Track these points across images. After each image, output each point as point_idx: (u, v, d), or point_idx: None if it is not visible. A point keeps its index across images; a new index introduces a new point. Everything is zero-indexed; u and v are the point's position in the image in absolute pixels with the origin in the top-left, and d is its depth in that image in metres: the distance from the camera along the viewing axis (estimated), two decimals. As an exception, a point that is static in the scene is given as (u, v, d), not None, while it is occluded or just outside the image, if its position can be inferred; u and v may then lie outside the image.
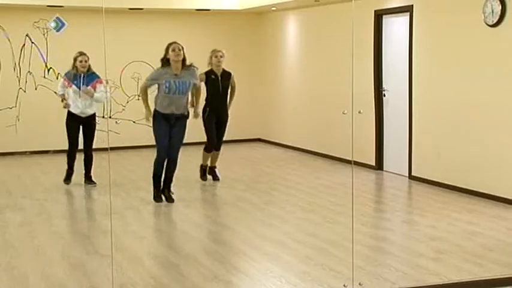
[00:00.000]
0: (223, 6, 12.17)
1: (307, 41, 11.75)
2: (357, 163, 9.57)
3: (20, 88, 11.72)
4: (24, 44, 11.66)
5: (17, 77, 11.71)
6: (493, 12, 7.49)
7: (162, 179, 7.80)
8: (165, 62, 7.71)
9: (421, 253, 5.71)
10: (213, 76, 8.88)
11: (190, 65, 7.83)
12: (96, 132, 8.94)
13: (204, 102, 8.85)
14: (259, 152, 9.71)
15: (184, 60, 7.73)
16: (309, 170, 10.11)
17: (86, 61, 8.79)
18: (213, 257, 5.71)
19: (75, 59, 8.81)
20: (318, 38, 11.32)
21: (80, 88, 8.71)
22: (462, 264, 5.36)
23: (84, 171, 8.90)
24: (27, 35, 11.64)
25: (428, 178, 8.66)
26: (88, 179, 8.87)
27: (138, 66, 12.09)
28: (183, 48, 7.72)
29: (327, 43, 10.90)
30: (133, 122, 12.00)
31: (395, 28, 9.48)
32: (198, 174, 9.06)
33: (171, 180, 7.83)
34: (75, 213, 7.91)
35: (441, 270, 5.23)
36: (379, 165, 9.77)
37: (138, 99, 12.59)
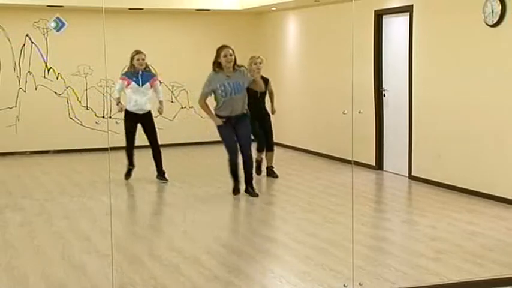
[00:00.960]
0: (223, 6, 12.18)
1: (307, 41, 11.75)
2: (357, 163, 9.56)
3: (20, 88, 11.73)
4: (24, 44, 11.67)
5: (17, 77, 11.72)
6: (493, 12, 7.49)
7: (243, 177, 8.05)
8: (217, 65, 7.89)
9: (421, 253, 5.71)
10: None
11: (240, 66, 8.05)
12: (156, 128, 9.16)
13: None
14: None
15: (234, 61, 7.92)
16: (309, 170, 10.11)
17: (143, 59, 8.97)
18: (213, 257, 5.71)
19: (132, 58, 9.00)
20: (318, 38, 11.33)
21: (139, 85, 8.93)
22: (462, 264, 5.36)
23: (156, 168, 9.05)
24: (27, 35, 11.65)
25: (428, 178, 8.66)
26: (161, 175, 9.04)
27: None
28: (233, 51, 7.90)
29: (327, 43, 10.90)
30: (133, 122, 12.00)
31: (395, 28, 9.48)
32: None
33: (251, 177, 8.08)
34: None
35: (441, 270, 5.23)
36: (379, 165, 9.77)
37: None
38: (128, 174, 9.13)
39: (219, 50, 7.90)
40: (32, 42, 11.68)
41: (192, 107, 12.43)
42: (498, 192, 7.57)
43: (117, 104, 9.02)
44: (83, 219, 7.18)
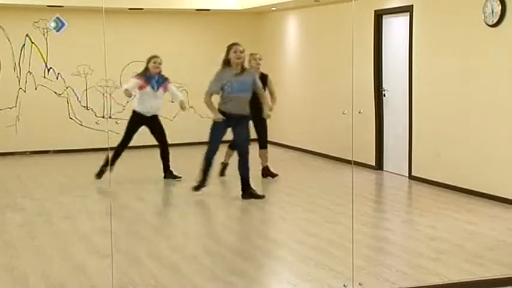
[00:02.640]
0: (223, 6, 12.18)
1: (307, 41, 11.75)
2: (357, 163, 9.56)
3: (20, 88, 11.73)
4: (24, 44, 11.67)
5: (17, 77, 11.72)
6: (493, 12, 7.49)
7: (240, 181, 7.93)
8: (226, 63, 7.90)
9: (421, 253, 5.71)
10: None
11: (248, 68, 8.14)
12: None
13: None
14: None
15: (244, 60, 7.96)
16: (309, 170, 10.12)
17: (159, 63, 9.07)
18: (213, 257, 5.71)
19: (148, 61, 9.08)
20: (318, 38, 11.33)
21: (154, 89, 8.99)
22: (462, 264, 5.36)
23: (162, 167, 9.10)
24: (27, 35, 11.65)
25: (428, 178, 8.66)
26: (170, 173, 9.10)
27: (138, 66, 12.07)
28: (244, 50, 7.90)
29: (327, 43, 10.90)
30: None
31: (395, 28, 9.48)
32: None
33: (248, 181, 7.93)
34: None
35: (441, 270, 5.23)
36: (379, 165, 9.77)
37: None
38: (101, 174, 9.01)
39: (229, 47, 7.91)
40: (32, 42, 11.68)
41: (191, 107, 12.42)
42: (498, 192, 7.57)
43: (125, 92, 8.89)
44: (83, 219, 7.18)
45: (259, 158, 9.23)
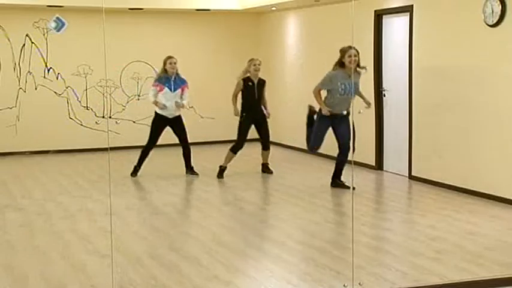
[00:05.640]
0: (223, 6, 12.18)
1: (307, 41, 11.75)
2: (357, 163, 9.56)
3: (20, 88, 11.73)
4: (24, 44, 11.67)
5: (17, 77, 11.72)
6: (493, 12, 7.49)
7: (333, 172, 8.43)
8: (340, 65, 8.17)
9: (421, 253, 5.71)
10: (250, 83, 9.40)
11: (362, 68, 8.32)
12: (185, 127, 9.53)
13: (240, 108, 9.39)
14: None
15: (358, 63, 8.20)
16: (309, 170, 10.11)
17: (175, 63, 9.26)
18: (212, 257, 5.71)
19: (165, 62, 9.27)
20: (318, 38, 11.33)
21: (171, 90, 9.20)
22: (462, 264, 5.36)
23: (185, 164, 9.49)
24: (27, 35, 11.65)
25: (428, 178, 8.66)
26: (190, 169, 9.46)
27: (138, 66, 12.12)
28: (358, 52, 8.11)
29: (327, 43, 10.89)
30: (133, 122, 12.02)
31: (395, 28, 9.48)
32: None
33: (342, 171, 8.39)
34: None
35: (441, 270, 5.23)
36: (379, 165, 9.77)
37: (138, 99, 12.62)
38: (136, 172, 9.38)
39: (344, 50, 8.13)
40: (32, 42, 11.69)
41: (192, 107, 12.43)
42: (498, 192, 7.57)
43: (156, 104, 9.22)
44: (83, 219, 7.18)
45: (261, 157, 9.60)
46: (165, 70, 9.24)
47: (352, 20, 8.65)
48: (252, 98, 9.34)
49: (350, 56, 8.06)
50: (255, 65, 9.34)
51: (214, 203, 8.08)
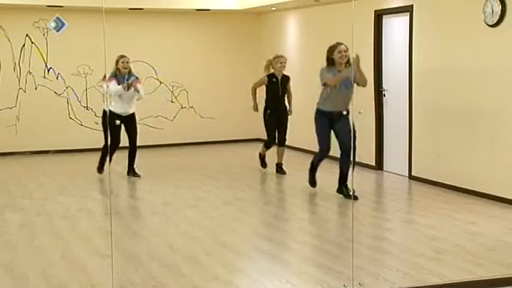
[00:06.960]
0: (223, 6, 12.18)
1: (307, 41, 11.74)
2: (356, 163, 9.54)
3: (20, 88, 11.73)
4: (24, 44, 11.67)
5: (17, 77, 11.72)
6: (493, 12, 7.49)
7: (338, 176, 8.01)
8: (330, 62, 8.09)
9: (421, 253, 5.71)
10: (274, 79, 9.59)
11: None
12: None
13: (264, 104, 9.58)
14: (258, 152, 9.72)
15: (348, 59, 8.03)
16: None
17: (127, 62, 9.25)
18: (213, 257, 5.71)
19: (117, 61, 9.22)
20: (318, 38, 11.32)
21: (124, 88, 9.12)
22: (462, 264, 5.36)
23: (128, 164, 9.35)
24: (27, 35, 11.65)
25: (428, 178, 8.66)
26: (132, 171, 9.36)
27: (138, 66, 12.10)
28: (348, 49, 7.97)
29: (327, 43, 10.85)
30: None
31: (395, 28, 9.48)
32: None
33: (347, 175, 7.96)
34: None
35: (441, 270, 5.23)
36: (379, 165, 9.77)
37: (138, 99, 12.63)
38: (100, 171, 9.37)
39: (333, 48, 8.02)
40: (32, 42, 11.68)
41: (192, 107, 12.44)
42: (498, 192, 7.57)
43: (128, 85, 9.11)
44: (83, 219, 7.18)
45: (276, 155, 9.69)
46: (117, 69, 9.18)
47: (352, 20, 8.63)
48: (276, 94, 9.54)
49: (340, 52, 7.92)
50: (281, 62, 9.53)
51: (213, 203, 8.07)
